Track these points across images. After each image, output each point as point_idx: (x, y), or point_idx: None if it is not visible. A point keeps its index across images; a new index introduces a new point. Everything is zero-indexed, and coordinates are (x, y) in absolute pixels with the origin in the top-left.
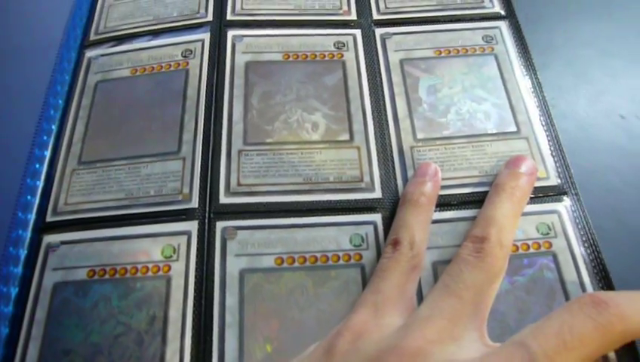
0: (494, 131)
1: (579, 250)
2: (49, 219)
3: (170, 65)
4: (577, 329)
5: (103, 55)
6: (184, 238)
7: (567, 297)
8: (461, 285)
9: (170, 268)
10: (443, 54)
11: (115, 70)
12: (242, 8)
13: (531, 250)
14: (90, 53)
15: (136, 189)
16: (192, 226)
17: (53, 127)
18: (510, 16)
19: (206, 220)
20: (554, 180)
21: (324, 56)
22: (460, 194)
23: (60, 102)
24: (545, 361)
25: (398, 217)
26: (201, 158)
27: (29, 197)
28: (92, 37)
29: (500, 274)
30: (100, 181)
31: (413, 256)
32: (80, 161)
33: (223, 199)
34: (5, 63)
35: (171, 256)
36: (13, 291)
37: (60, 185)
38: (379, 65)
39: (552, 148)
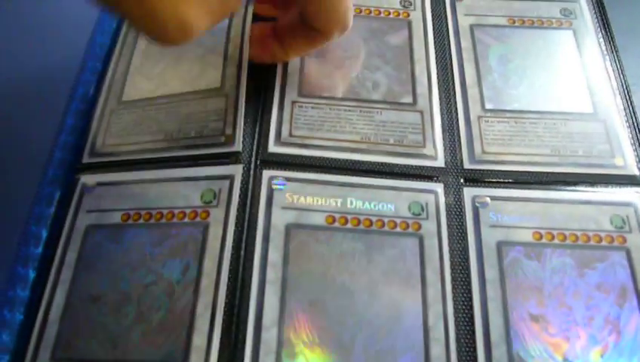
0: (569, 110)
1: None
2: (86, 160)
3: None
4: None
5: None
6: (226, 183)
7: (639, 298)
8: None
9: (208, 214)
10: (517, 24)
11: None
12: None
13: (604, 243)
14: None
15: (177, 130)
16: (237, 171)
17: (98, 64)
18: None
19: (252, 166)
20: (632, 170)
21: (389, 13)
22: (529, 171)
23: (107, 41)
24: None
25: None
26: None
27: (67, 136)
28: None
29: None
30: (139, 121)
31: None
32: (120, 101)
33: (272, 148)
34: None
35: (211, 202)
36: (44, 232)
37: (99, 126)
38: (447, 28)
39: (630, 136)
